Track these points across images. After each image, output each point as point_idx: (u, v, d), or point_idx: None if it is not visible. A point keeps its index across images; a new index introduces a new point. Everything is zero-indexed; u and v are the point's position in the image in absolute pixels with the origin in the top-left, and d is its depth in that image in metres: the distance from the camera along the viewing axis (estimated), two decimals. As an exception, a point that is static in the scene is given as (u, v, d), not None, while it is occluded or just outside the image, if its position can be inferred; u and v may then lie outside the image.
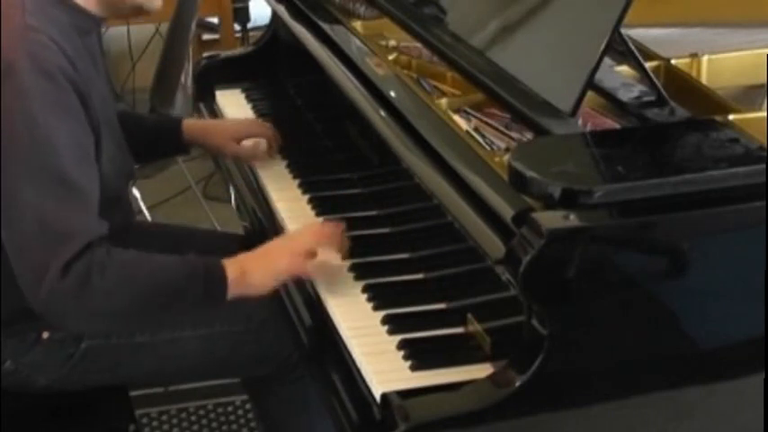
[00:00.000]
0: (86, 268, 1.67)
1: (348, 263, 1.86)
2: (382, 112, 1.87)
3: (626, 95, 1.75)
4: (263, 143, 2.28)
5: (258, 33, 2.98)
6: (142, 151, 2.17)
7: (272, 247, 1.86)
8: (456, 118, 1.79)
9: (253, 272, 1.78)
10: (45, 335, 1.93)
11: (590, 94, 1.68)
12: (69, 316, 1.72)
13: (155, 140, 2.27)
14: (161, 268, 1.75)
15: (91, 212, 1.74)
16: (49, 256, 1.66)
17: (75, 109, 1.75)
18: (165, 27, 3.69)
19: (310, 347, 1.76)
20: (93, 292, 1.68)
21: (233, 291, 1.76)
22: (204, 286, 1.74)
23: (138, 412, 2.34)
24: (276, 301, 1.95)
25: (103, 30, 4.51)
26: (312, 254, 1.79)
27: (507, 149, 1.67)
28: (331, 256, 1.83)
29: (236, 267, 1.77)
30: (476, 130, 1.77)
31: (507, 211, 1.46)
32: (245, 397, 2.78)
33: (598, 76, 1.65)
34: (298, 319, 1.85)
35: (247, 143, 2.28)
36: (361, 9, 2.30)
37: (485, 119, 1.81)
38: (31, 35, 1.73)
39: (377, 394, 1.52)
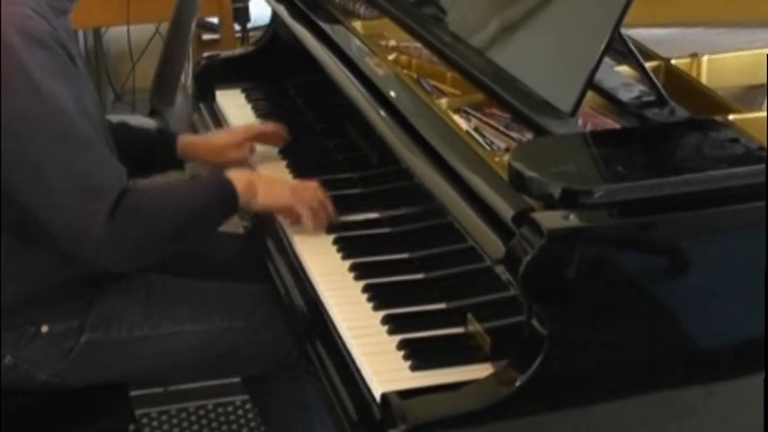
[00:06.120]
0: (127, 212, 1.79)
1: (348, 262, 1.87)
2: (382, 112, 1.87)
3: (626, 95, 1.75)
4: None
5: (258, 33, 2.98)
6: (137, 163, 2.19)
7: (278, 180, 2.07)
8: (456, 118, 1.79)
9: (258, 187, 1.95)
10: (44, 328, 1.93)
11: (590, 94, 1.68)
12: (119, 257, 1.84)
13: (149, 153, 2.27)
14: (183, 195, 1.93)
15: (111, 161, 1.86)
16: (90, 211, 1.77)
17: (70, 69, 1.85)
18: (165, 27, 3.68)
19: (310, 346, 1.76)
20: (137, 229, 1.81)
21: (242, 200, 1.94)
22: (222, 204, 1.93)
23: (138, 412, 2.34)
24: (276, 300, 1.95)
25: (103, 30, 4.54)
26: (306, 207, 1.96)
27: (507, 149, 1.67)
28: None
29: (245, 181, 1.94)
30: (476, 130, 1.77)
31: (507, 211, 1.47)
32: (245, 397, 2.78)
33: (598, 76, 1.65)
34: (298, 318, 1.85)
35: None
36: (361, 9, 2.30)
37: (485, 119, 1.81)
38: (14, 9, 1.78)
39: (377, 394, 1.52)
